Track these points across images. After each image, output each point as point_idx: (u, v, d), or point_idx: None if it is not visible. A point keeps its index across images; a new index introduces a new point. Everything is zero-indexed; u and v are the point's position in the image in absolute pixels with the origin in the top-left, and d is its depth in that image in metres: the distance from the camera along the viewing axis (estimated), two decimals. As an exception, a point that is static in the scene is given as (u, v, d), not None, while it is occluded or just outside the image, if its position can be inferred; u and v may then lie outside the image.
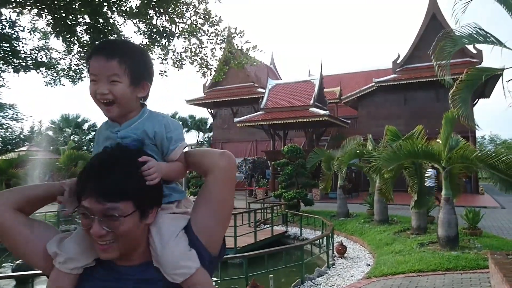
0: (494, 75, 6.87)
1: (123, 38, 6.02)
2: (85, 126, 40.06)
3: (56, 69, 6.65)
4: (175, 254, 1.02)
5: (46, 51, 6.52)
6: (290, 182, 17.09)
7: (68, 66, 6.75)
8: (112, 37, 5.63)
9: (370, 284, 6.82)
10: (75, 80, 6.79)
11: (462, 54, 22.76)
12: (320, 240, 10.19)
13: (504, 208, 17.01)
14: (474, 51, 22.94)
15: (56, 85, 6.78)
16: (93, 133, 40.47)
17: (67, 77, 6.79)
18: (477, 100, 27.55)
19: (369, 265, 8.96)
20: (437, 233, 8.67)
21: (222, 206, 1.13)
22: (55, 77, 6.72)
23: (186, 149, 1.18)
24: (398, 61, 26.26)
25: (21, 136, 39.58)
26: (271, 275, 6.95)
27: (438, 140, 9.04)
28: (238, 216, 11.02)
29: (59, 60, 6.78)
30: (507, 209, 16.50)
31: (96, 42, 5.77)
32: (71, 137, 36.91)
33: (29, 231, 1.06)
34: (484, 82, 21.90)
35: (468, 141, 10.15)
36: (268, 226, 13.04)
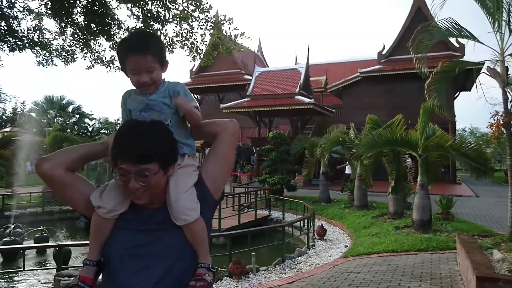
0: (473, 69, 7.22)
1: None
2: (70, 109, 39.65)
3: (49, 49, 6.77)
4: (183, 204, 1.34)
5: (40, 31, 6.62)
6: (274, 168, 17.46)
7: (61, 47, 6.88)
8: (109, 21, 5.90)
9: (346, 263, 7.23)
10: (68, 60, 6.93)
11: (445, 47, 23.28)
12: (301, 222, 10.59)
13: (478, 197, 17.76)
14: (457, 45, 23.48)
15: (49, 65, 6.90)
16: (77, 116, 40.16)
17: (60, 58, 6.93)
18: (458, 93, 28.23)
19: (347, 246, 9.41)
20: (412, 217, 9.14)
21: (227, 159, 1.50)
22: (48, 57, 6.85)
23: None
24: (383, 52, 26.68)
25: (3, 117, 39.01)
26: (254, 253, 7.31)
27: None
28: (223, 199, 11.32)
29: (52, 40, 6.89)
30: (481, 198, 17.25)
31: (92, 24, 5.97)
32: (55, 119, 36.53)
33: (75, 188, 1.39)
34: (465, 76, 22.38)
35: (448, 132, 10.60)
36: (251, 210, 13.39)
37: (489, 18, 6.52)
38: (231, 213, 12.03)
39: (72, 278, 4.45)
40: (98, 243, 1.39)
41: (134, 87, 1.47)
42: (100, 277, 1.43)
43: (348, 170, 17.31)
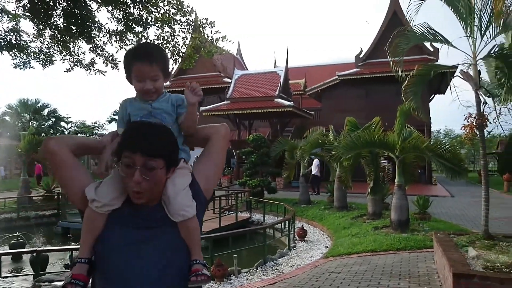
0: (448, 72, 7.43)
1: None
2: (45, 112, 38.78)
3: (27, 51, 6.63)
4: (181, 201, 1.40)
5: (17, 33, 6.48)
6: (255, 171, 17.51)
7: (39, 49, 6.75)
8: (89, 24, 5.86)
9: (327, 263, 7.33)
10: (46, 63, 6.80)
11: (420, 51, 23.88)
12: (282, 224, 10.66)
13: (453, 197, 18.25)
14: (431, 49, 24.09)
15: (26, 67, 6.76)
16: (53, 119, 39.30)
17: (38, 60, 6.79)
18: (433, 95, 28.94)
19: (327, 247, 9.52)
20: (390, 217, 9.33)
21: (219, 161, 1.60)
22: (25, 59, 6.71)
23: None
24: (361, 56, 27.14)
25: (-25, 120, 37.82)
26: (235, 255, 7.33)
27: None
28: (213, 199, 11.29)
29: (29, 42, 6.75)
30: (456, 198, 17.73)
31: (72, 27, 5.89)
32: (30, 123, 35.64)
33: (76, 171, 1.44)
34: (440, 79, 22.96)
35: (424, 134, 10.87)
36: (232, 212, 13.39)
37: (462, 23, 6.75)
38: (212, 216, 12.00)
39: (53, 283, 4.39)
40: (90, 239, 1.40)
41: (136, 94, 1.55)
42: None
43: (314, 171, 17.59)
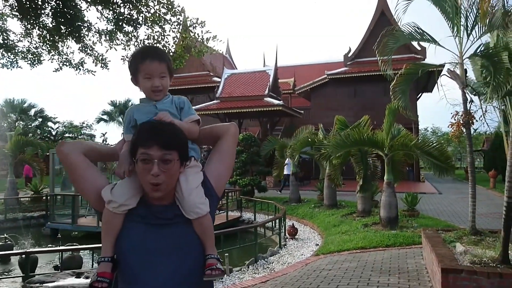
0: (435, 71, 7.55)
1: (89, 24, 6.34)
2: (32, 112, 38.21)
3: (15, 51, 6.55)
4: (195, 199, 1.45)
5: (5, 32, 6.39)
6: (245, 170, 17.55)
7: (27, 49, 6.67)
8: (79, 24, 5.84)
9: (318, 260, 7.39)
10: (34, 63, 6.73)
11: (408, 50, 24.14)
12: (273, 223, 10.70)
13: (441, 193, 18.52)
14: (419, 48, 24.38)
15: (13, 67, 6.67)
16: (40, 119, 38.76)
17: (26, 60, 6.71)
18: (420, 94, 29.29)
19: (318, 245, 9.60)
20: (379, 214, 9.44)
21: (230, 159, 1.66)
22: (13, 59, 6.62)
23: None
24: (349, 55, 27.32)
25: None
26: (227, 254, 7.34)
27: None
28: (224, 196, 11.28)
29: (17, 42, 6.67)
30: (443, 195, 17.99)
31: (61, 26, 5.83)
32: (16, 123, 35.12)
33: (89, 172, 1.51)
34: (427, 78, 23.24)
35: (411, 132, 11.02)
36: (223, 211, 13.40)
37: (448, 23, 6.86)
38: (203, 215, 11.97)
39: (44, 285, 4.36)
40: (111, 239, 1.47)
41: (140, 99, 1.63)
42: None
43: (286, 171, 17.72)
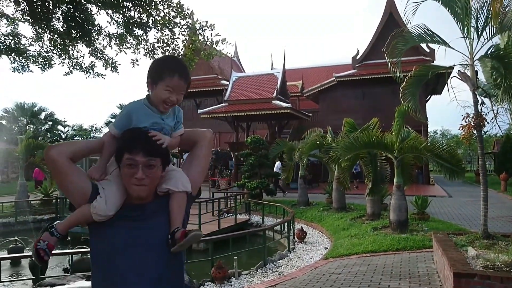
0: (445, 73, 7.49)
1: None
2: (42, 116, 38.64)
3: (26, 55, 6.62)
4: (183, 177, 1.65)
5: (16, 37, 6.47)
6: (253, 173, 17.51)
7: (38, 53, 6.74)
8: (89, 28, 5.91)
9: (327, 264, 7.34)
10: (45, 67, 6.80)
11: (416, 52, 23.97)
12: (281, 226, 10.67)
13: (451, 197, 18.32)
14: (428, 50, 24.22)
15: (25, 71, 6.75)
16: (50, 123, 39.18)
17: (37, 64, 6.79)
18: (429, 96, 29.08)
19: (327, 248, 9.53)
20: (389, 217, 9.35)
21: (204, 163, 1.79)
22: (24, 63, 6.70)
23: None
24: (358, 57, 27.22)
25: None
26: (235, 257, 7.33)
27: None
28: (203, 204, 11.30)
29: (28, 46, 6.75)
30: (453, 198, 17.80)
31: (72, 31, 5.90)
32: (27, 127, 35.52)
33: (76, 176, 1.59)
34: (436, 80, 23.10)
35: (421, 135, 10.92)
36: (231, 214, 13.38)
37: (458, 24, 6.80)
38: (211, 218, 11.98)
39: (55, 287, 4.39)
40: (73, 224, 1.62)
41: (154, 101, 1.65)
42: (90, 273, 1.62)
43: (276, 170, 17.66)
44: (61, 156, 1.54)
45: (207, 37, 6.38)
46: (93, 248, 1.59)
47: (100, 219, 1.53)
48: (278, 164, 18.75)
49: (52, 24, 6.10)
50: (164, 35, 6.46)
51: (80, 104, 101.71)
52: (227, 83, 26.69)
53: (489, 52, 6.44)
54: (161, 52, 6.45)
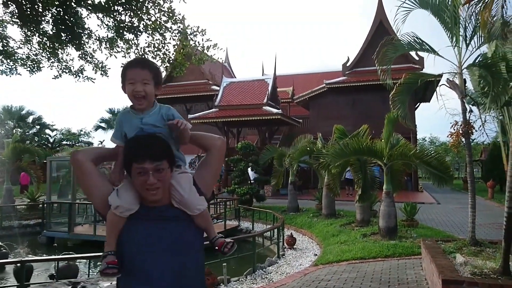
0: (434, 81, 7.57)
1: (87, 31, 6.37)
2: (30, 119, 38.19)
3: (14, 58, 6.53)
4: (194, 200, 1.68)
5: (4, 39, 6.37)
6: (243, 178, 17.47)
7: (27, 56, 6.66)
8: (79, 31, 5.86)
9: (317, 271, 7.32)
10: (33, 70, 6.71)
11: (406, 60, 24.24)
12: (271, 232, 10.63)
13: (439, 203, 18.46)
14: (417, 58, 24.52)
15: (13, 74, 6.66)
16: (38, 127, 38.73)
17: (25, 67, 6.70)
18: (418, 103, 29.37)
19: (316, 255, 9.52)
20: (378, 224, 9.38)
21: (216, 170, 1.88)
22: (12, 66, 6.61)
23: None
24: (348, 64, 27.44)
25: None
26: (224, 264, 7.27)
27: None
28: (213, 198, 11.22)
29: (17, 49, 6.66)
30: (442, 205, 17.94)
31: (62, 34, 5.83)
32: (14, 130, 35.06)
33: (99, 179, 1.69)
34: (425, 87, 23.33)
35: (410, 142, 11.01)
36: (221, 220, 13.31)
37: (447, 33, 6.89)
38: (201, 224, 11.90)
39: None
40: (114, 236, 1.66)
41: (130, 105, 1.71)
42: None
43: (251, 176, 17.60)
44: (88, 160, 1.66)
45: (198, 42, 6.38)
46: (118, 246, 1.66)
47: (120, 213, 1.60)
48: (251, 173, 18.63)
49: (41, 27, 6.04)
50: (155, 39, 6.44)
51: (69, 108, 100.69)
52: (218, 88, 26.69)
53: (477, 60, 6.52)
54: (152, 57, 6.43)
